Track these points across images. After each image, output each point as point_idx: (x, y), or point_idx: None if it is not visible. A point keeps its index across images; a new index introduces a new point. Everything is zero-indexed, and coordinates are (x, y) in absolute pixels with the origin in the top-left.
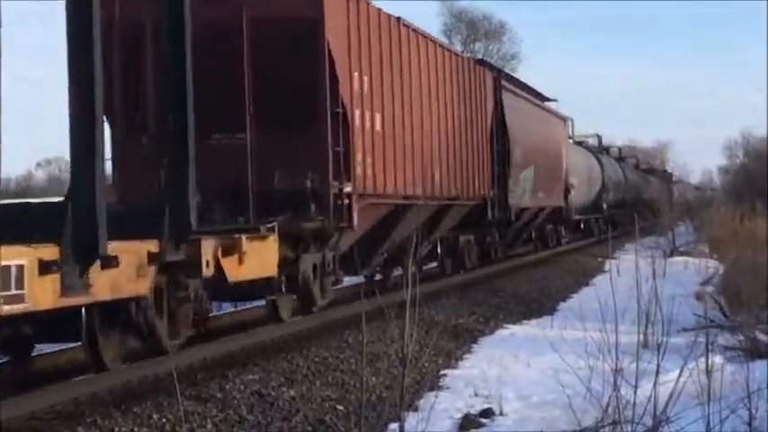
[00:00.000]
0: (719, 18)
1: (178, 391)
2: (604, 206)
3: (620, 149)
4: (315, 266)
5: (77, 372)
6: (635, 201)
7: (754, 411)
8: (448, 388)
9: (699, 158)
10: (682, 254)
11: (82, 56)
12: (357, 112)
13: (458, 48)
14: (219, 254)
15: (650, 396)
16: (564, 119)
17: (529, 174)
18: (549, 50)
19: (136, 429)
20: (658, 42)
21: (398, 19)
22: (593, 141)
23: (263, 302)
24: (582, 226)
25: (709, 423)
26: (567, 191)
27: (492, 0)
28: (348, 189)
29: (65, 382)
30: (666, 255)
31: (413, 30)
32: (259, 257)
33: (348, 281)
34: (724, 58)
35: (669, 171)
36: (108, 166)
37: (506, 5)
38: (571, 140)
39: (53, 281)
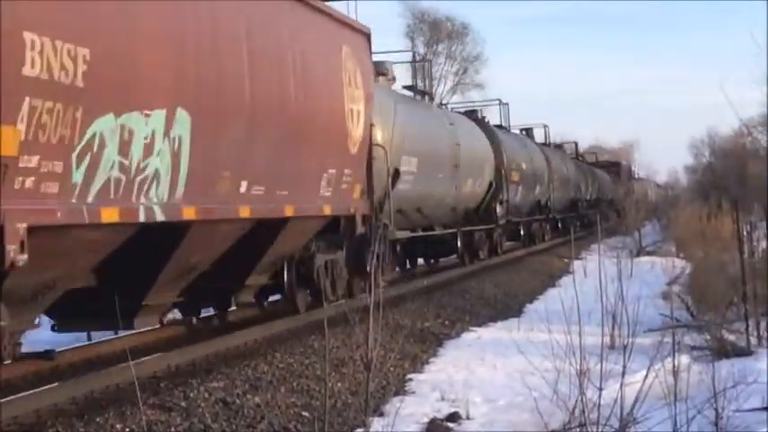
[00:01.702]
0: (685, 14)
1: (140, 400)
2: (498, 212)
3: (545, 127)
4: None
5: (40, 382)
6: (572, 203)
7: (720, 411)
8: (414, 392)
9: (664, 157)
10: (648, 254)
11: None
12: None
13: (421, 49)
14: None
15: (617, 397)
16: (366, 34)
17: (166, 139)
18: (514, 51)
19: None
20: (623, 40)
21: None
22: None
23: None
24: (459, 245)
25: (675, 423)
26: (370, 184)
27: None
28: None
29: (26, 393)
30: (633, 255)
31: None
32: None
33: None
34: (687, 55)
35: (628, 164)
36: None
37: (470, 5)
38: (434, 102)
39: None
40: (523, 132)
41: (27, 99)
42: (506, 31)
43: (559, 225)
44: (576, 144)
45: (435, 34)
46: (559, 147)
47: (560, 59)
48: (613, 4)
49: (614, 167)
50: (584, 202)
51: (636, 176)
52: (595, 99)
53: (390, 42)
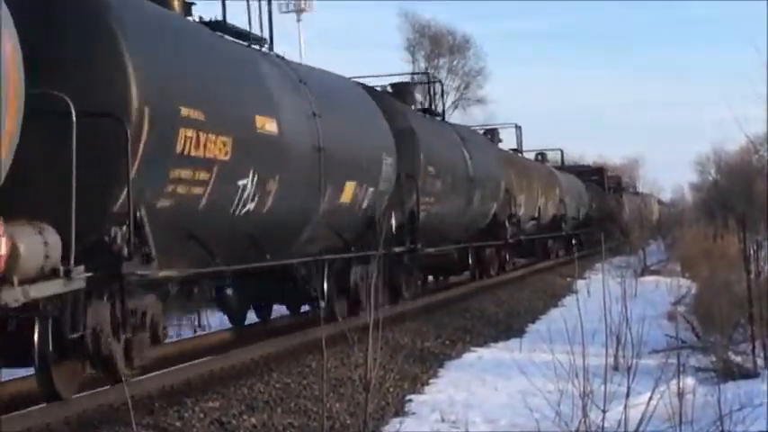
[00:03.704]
0: (688, 29)
1: (134, 420)
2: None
3: (437, 83)
4: None
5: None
6: (494, 222)
7: None
8: (413, 413)
9: (669, 174)
10: (653, 273)
11: None
12: None
13: (422, 64)
14: None
15: (621, 419)
16: None
17: None
18: (516, 67)
19: None
20: (628, 56)
21: None
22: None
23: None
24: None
25: None
26: None
27: None
28: None
29: (18, 413)
30: (637, 274)
31: None
32: None
33: None
34: (690, 69)
35: (619, 175)
36: None
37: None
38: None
39: None
40: (423, 110)
41: None
42: (504, 47)
43: (465, 262)
44: (520, 129)
45: (436, 48)
46: (491, 131)
47: (560, 75)
48: (612, 19)
49: (595, 175)
50: (519, 224)
51: (634, 190)
52: (598, 115)
53: (391, 57)
